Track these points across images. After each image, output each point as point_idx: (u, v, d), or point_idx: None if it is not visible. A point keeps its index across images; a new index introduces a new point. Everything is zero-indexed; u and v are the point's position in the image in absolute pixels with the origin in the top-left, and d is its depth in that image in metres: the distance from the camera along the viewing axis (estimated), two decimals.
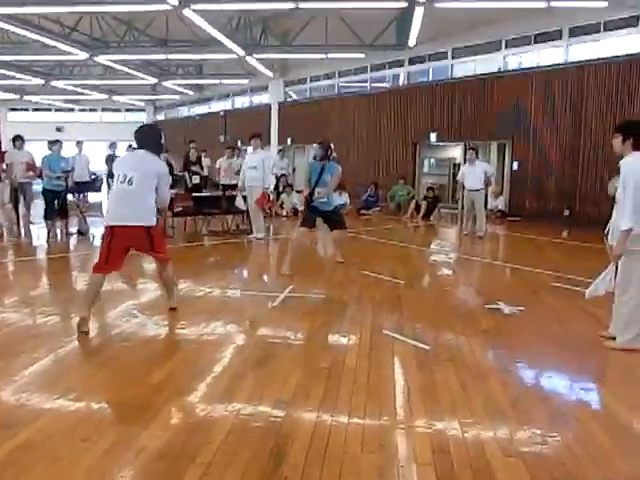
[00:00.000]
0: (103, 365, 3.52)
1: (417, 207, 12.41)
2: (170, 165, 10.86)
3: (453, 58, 14.40)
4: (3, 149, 11.20)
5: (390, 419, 2.73)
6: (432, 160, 16.55)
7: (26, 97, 24.14)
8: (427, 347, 3.75)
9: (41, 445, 2.45)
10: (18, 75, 18.01)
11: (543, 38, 12.37)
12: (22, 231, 9.44)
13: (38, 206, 9.46)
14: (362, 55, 14.71)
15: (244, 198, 9.05)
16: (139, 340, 3.99)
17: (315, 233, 7.08)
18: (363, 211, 12.89)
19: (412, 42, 13.04)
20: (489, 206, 12.78)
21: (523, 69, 12.98)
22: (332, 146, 6.56)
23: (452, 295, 5.44)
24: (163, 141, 4.45)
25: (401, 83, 16.06)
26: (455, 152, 15.31)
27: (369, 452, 2.41)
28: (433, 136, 14.54)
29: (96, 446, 2.43)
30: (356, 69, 17.19)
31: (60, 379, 3.23)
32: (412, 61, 15.49)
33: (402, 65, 15.80)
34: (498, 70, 13.32)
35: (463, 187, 9.75)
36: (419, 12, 10.36)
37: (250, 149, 9.04)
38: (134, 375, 3.30)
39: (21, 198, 9.71)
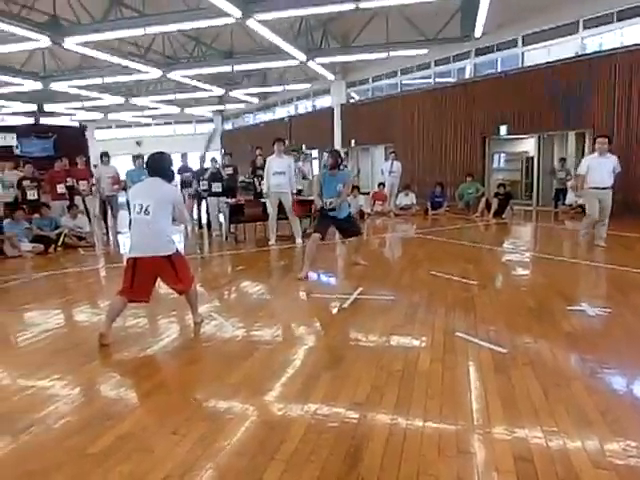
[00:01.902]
0: (188, 364, 3.74)
1: (488, 205, 12.04)
2: (236, 171, 11.22)
3: (523, 45, 13.83)
4: (92, 165, 12.01)
5: (467, 424, 2.70)
6: (502, 155, 16.03)
7: (110, 115, 25.71)
8: (504, 350, 3.65)
9: (137, 437, 2.66)
10: (102, 96, 19.25)
11: (628, 14, 11.39)
12: (110, 240, 10.14)
13: (124, 217, 10.10)
14: (425, 51, 14.52)
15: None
16: (218, 341, 4.17)
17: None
18: (430, 211, 12.69)
19: (478, 32, 12.68)
20: (567, 201, 12.23)
21: (605, 51, 12.01)
22: (342, 155, 6.58)
23: (529, 296, 5.24)
24: (173, 168, 4.51)
25: (467, 76, 15.66)
26: (527, 145, 14.76)
27: (446, 456, 2.41)
28: (503, 129, 14.07)
29: (185, 439, 2.61)
30: (419, 65, 16.96)
31: (150, 376, 3.48)
32: (478, 52, 15.05)
33: (468, 57, 15.40)
34: (575, 54, 12.57)
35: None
36: (485, 0, 10.07)
37: (274, 155, 8.84)
38: (215, 374, 3.45)
39: (109, 210, 10.44)
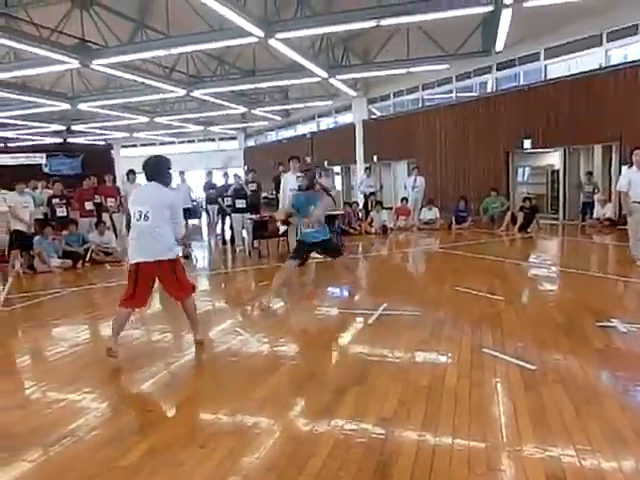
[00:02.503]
0: (214, 378, 3.76)
1: (513, 219, 11.91)
2: (259, 187, 11.34)
3: (546, 58, 13.76)
4: (117, 183, 12.28)
5: (497, 441, 2.65)
6: (527, 169, 15.88)
7: (135, 134, 26.28)
8: (533, 367, 3.59)
9: (165, 450, 2.69)
10: (128, 115, 19.70)
11: None
12: None
13: None
14: (446, 66, 14.52)
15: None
16: (244, 356, 4.20)
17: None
18: (454, 226, 12.60)
19: (500, 46, 12.63)
20: (595, 214, 12.03)
21: (630, 62, 11.80)
22: (317, 176, 6.43)
23: (557, 311, 5.15)
24: (171, 171, 4.35)
25: (489, 90, 15.62)
26: (553, 159, 14.60)
27: (477, 474, 2.37)
28: (527, 143, 13.95)
29: (214, 453, 2.63)
30: (440, 80, 16.97)
31: (177, 390, 3.52)
32: (500, 66, 15.02)
33: (489, 71, 15.39)
34: (599, 67, 12.44)
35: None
36: (507, 14, 10.04)
37: (290, 172, 8.82)
38: (242, 389, 3.47)
39: None
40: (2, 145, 24.64)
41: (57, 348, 4.58)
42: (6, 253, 9.20)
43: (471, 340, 4.25)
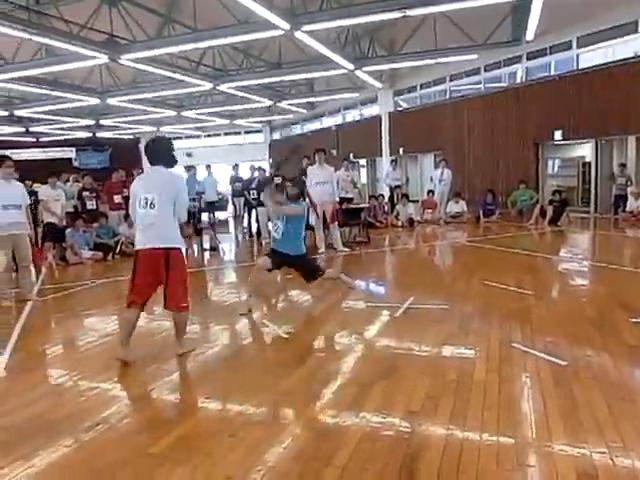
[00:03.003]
0: (240, 369, 3.79)
1: (542, 212, 11.69)
2: (284, 180, 11.35)
3: (578, 47, 13.40)
4: None
5: (526, 437, 2.61)
6: (557, 160, 15.55)
7: (162, 128, 26.60)
8: (563, 363, 3.52)
9: (195, 439, 2.73)
10: (156, 109, 19.95)
11: None
12: None
13: None
14: (475, 56, 14.29)
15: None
16: (271, 348, 4.24)
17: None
18: (482, 219, 12.43)
19: (530, 35, 12.36)
20: (628, 207, 11.73)
21: None
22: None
23: (589, 307, 5.04)
24: (174, 152, 4.09)
25: (519, 80, 15.30)
26: (584, 150, 14.27)
27: (505, 470, 2.34)
28: (558, 134, 13.65)
29: (242, 443, 2.66)
30: (468, 71, 16.70)
31: (205, 381, 3.56)
32: (530, 55, 14.68)
33: (519, 61, 15.06)
34: (634, 55, 12.06)
35: None
36: (538, 2, 9.81)
37: (316, 165, 8.88)
38: (269, 380, 3.49)
39: None
40: (34, 140, 25.25)
41: (88, 338, 4.69)
42: (39, 245, 9.45)
43: (500, 334, 4.20)
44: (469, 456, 2.45)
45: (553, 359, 3.59)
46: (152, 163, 3.99)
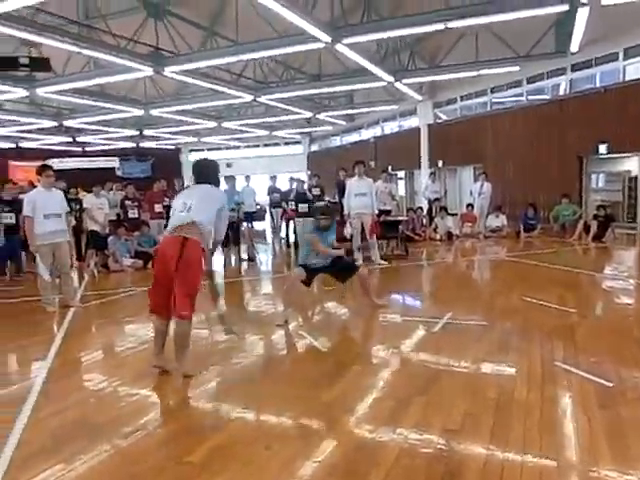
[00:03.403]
0: (279, 380, 3.80)
1: (586, 227, 11.34)
2: (322, 192, 11.39)
3: (625, 59, 13.03)
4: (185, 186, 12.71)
5: (570, 460, 2.53)
6: (601, 175, 15.09)
7: (202, 139, 27.15)
8: (610, 384, 3.39)
9: (231, 449, 2.74)
10: (197, 120, 20.39)
11: None
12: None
13: None
14: (517, 68, 14.07)
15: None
16: (308, 360, 4.23)
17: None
18: (523, 234, 12.15)
19: (575, 47, 12.09)
20: None
21: None
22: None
23: (636, 326, 4.85)
24: (219, 175, 4.24)
25: (562, 92, 14.97)
26: (630, 164, 13.79)
27: None
28: (603, 148, 13.24)
29: (278, 455, 2.65)
30: (509, 83, 16.45)
31: (242, 391, 3.58)
32: (575, 67, 14.36)
33: (563, 73, 14.74)
34: None
35: None
36: (583, 13, 9.59)
37: (355, 177, 8.89)
38: (306, 393, 3.48)
39: None
40: (81, 149, 26.15)
41: (128, 344, 4.79)
42: (83, 253, 9.74)
43: (542, 353, 4.08)
44: (510, 477, 2.38)
45: (598, 379, 3.46)
46: (198, 181, 4.09)
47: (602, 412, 3.01)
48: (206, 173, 4.11)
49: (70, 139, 23.39)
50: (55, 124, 19.12)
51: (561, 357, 3.96)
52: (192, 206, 3.79)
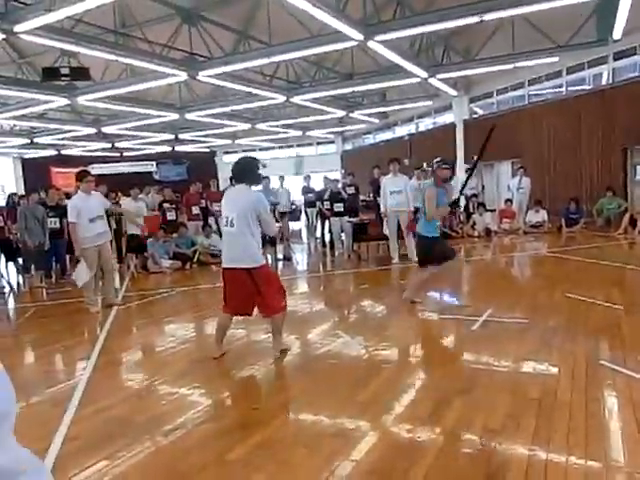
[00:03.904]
0: (315, 380, 3.79)
1: (632, 221, 10.94)
2: (357, 190, 11.34)
3: None
4: (221, 188, 12.87)
5: (617, 463, 2.43)
6: None
7: (237, 141, 27.46)
8: None
9: (270, 448, 2.76)
10: (231, 122, 20.64)
11: None
12: None
13: None
14: (556, 59, 13.66)
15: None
16: (345, 359, 4.21)
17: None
18: (565, 229, 11.81)
19: (618, 34, 11.62)
20: None
21: None
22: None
23: None
24: (260, 171, 4.32)
25: (604, 82, 14.45)
26: None
27: None
28: None
29: (317, 454, 2.65)
30: (548, 74, 16.00)
31: (281, 390, 3.63)
32: (617, 55, 13.84)
33: (605, 62, 14.24)
34: None
35: None
36: None
37: (390, 174, 8.89)
38: (344, 392, 3.48)
39: None
40: (119, 155, 26.82)
41: (168, 344, 4.88)
42: (123, 255, 9.99)
43: (586, 351, 3.95)
44: (554, 479, 2.31)
45: None
46: (236, 181, 4.21)
47: None
48: (241, 173, 4.20)
49: (109, 145, 24.02)
50: (94, 131, 19.67)
51: (607, 356, 3.82)
52: (234, 222, 4.03)
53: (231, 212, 4.07)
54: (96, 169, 22.49)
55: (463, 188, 6.32)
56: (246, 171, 4.20)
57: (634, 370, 3.49)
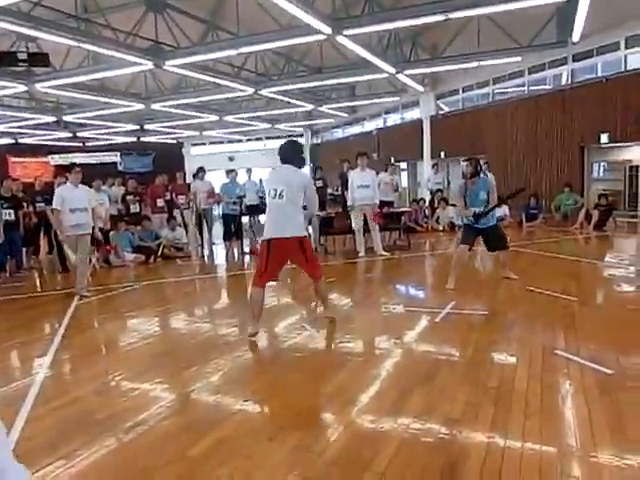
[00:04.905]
0: (280, 373, 3.82)
1: (588, 216, 11.33)
2: (325, 184, 11.38)
3: (627, 48, 12.92)
4: (188, 181, 12.70)
5: (570, 447, 2.54)
6: (603, 164, 15.04)
7: (204, 133, 27.09)
8: (610, 371, 3.40)
9: (234, 442, 2.75)
10: (198, 114, 20.33)
11: None
12: (206, 251, 10.67)
13: (218, 229, 10.61)
14: (518, 58, 13.97)
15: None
16: (310, 352, 4.25)
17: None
18: (525, 223, 12.14)
19: (576, 37, 11.99)
20: None
21: None
22: (481, 162, 6.38)
23: (636, 314, 4.86)
24: (304, 154, 4.72)
25: (564, 82, 14.88)
26: (632, 154, 13.73)
27: None
28: (604, 137, 13.19)
29: (281, 447, 2.66)
30: (511, 74, 16.36)
31: (246, 384, 3.60)
32: (576, 57, 14.26)
33: (565, 63, 14.65)
34: None
35: None
36: (584, 2, 9.52)
37: (358, 168, 8.95)
38: (308, 384, 3.52)
39: (204, 223, 10.99)
40: (81, 144, 26.10)
41: (130, 339, 4.80)
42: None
43: (543, 341, 4.09)
44: (511, 465, 2.40)
45: (598, 367, 3.47)
46: (283, 162, 4.54)
47: (602, 399, 3.03)
48: (288, 155, 4.53)
49: (70, 134, 23.34)
50: (54, 119, 19.08)
51: (562, 345, 3.97)
52: (284, 194, 4.36)
53: (279, 185, 4.39)
54: (56, 159, 21.82)
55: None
56: (295, 154, 4.57)
57: (587, 359, 3.63)
